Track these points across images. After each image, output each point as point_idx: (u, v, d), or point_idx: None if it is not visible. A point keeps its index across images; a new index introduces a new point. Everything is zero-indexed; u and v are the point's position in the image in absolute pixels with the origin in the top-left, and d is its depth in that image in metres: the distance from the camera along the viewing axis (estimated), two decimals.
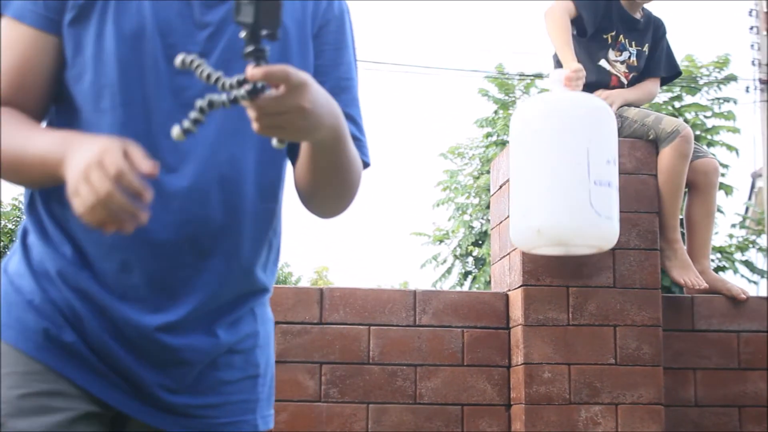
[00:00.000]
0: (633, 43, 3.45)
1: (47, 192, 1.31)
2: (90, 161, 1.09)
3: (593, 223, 2.79)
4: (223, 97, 1.11)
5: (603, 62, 3.40)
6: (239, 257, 1.33)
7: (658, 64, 3.52)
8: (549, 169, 2.84)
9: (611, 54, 3.41)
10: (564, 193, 2.80)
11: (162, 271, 1.29)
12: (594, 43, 3.40)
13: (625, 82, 3.42)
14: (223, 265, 1.31)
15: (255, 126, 1.12)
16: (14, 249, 1.36)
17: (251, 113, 1.12)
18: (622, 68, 3.42)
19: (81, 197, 1.10)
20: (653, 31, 3.51)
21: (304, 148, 1.32)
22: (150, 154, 1.14)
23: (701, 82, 9.53)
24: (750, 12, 13.76)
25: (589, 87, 3.22)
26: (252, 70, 1.07)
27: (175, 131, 1.12)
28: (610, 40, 3.40)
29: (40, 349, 1.28)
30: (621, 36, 3.42)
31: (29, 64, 1.28)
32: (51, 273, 1.30)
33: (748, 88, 13.01)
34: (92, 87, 1.28)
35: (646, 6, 3.54)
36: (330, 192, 1.39)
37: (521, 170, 2.93)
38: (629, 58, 3.43)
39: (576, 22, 3.39)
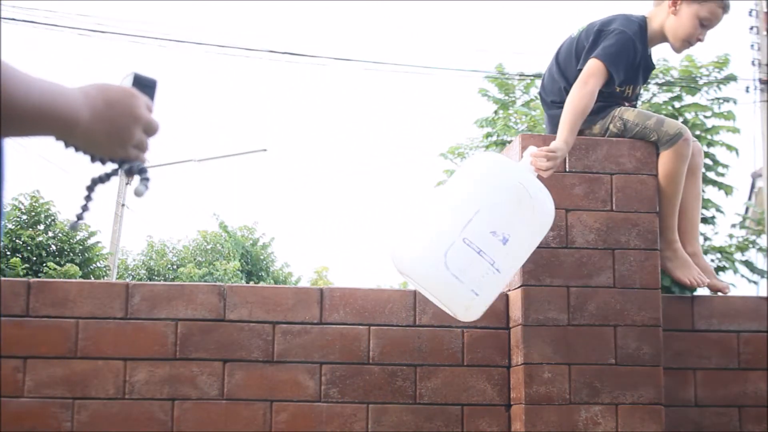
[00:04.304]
0: (639, 88, 3.28)
1: None
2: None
3: (439, 274, 2.52)
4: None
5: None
6: None
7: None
8: (437, 207, 2.68)
9: (622, 106, 3.21)
10: (429, 233, 2.62)
11: None
12: (610, 98, 3.19)
13: None
14: None
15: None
16: None
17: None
18: None
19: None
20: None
21: None
22: None
23: (701, 82, 9.52)
24: (750, 12, 13.75)
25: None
26: None
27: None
28: (627, 93, 3.21)
29: None
30: (638, 87, 3.25)
31: None
32: None
33: (748, 88, 13.01)
34: None
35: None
36: None
37: (429, 198, 2.75)
38: (635, 107, 3.26)
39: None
